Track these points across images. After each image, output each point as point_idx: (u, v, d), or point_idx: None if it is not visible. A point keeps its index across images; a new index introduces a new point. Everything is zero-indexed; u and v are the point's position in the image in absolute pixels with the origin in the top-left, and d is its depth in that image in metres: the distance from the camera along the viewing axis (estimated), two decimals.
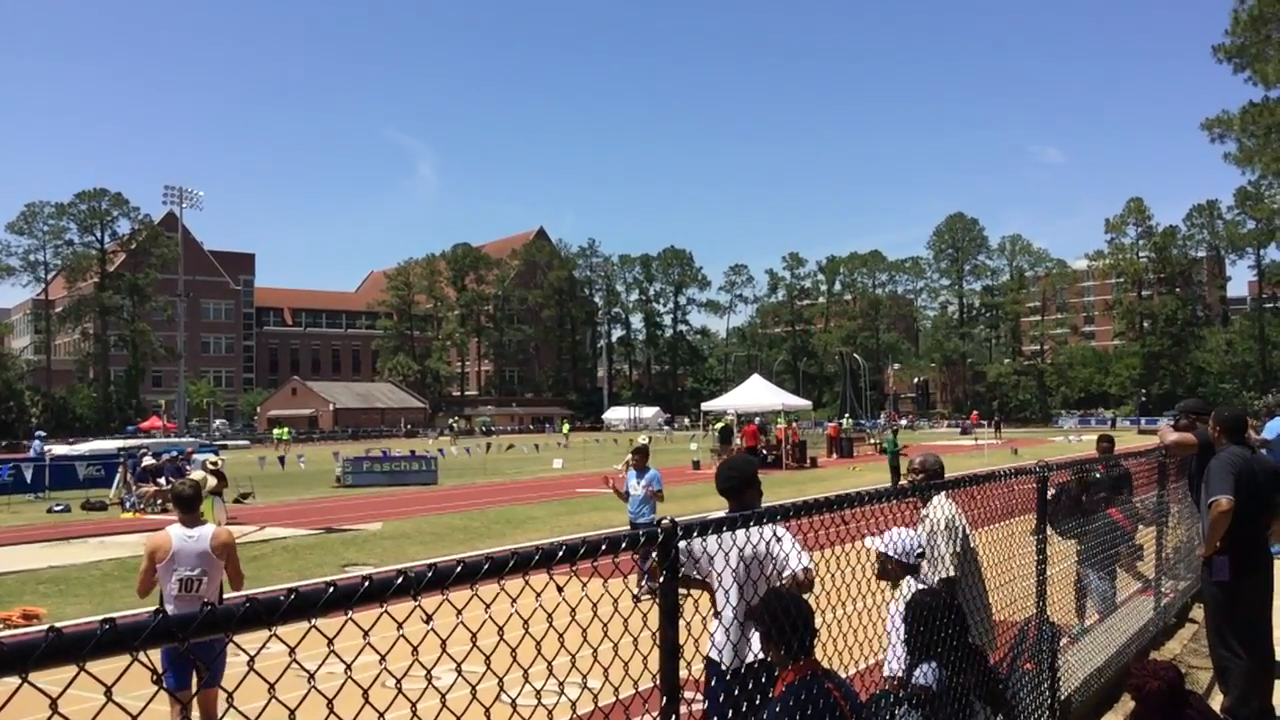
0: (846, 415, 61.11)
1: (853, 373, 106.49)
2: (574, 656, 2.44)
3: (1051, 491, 6.83)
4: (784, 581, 4.49)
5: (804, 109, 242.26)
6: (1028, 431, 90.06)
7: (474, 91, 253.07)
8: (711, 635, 4.42)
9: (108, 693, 1.47)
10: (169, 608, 6.75)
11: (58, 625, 1.43)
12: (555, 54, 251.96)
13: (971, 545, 5.76)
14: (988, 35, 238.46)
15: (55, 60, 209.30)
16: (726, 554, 4.09)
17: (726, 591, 4.32)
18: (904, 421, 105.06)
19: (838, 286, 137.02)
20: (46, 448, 38.62)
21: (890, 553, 5.07)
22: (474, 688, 2.20)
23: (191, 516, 7.27)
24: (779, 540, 4.63)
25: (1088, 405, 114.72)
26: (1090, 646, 7.60)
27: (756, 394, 46.37)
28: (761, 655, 4.24)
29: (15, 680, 1.35)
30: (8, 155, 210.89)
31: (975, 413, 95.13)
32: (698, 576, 4.70)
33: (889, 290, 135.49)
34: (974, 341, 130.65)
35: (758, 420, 48.58)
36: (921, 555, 5.12)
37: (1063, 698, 6.44)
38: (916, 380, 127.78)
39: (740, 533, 3.60)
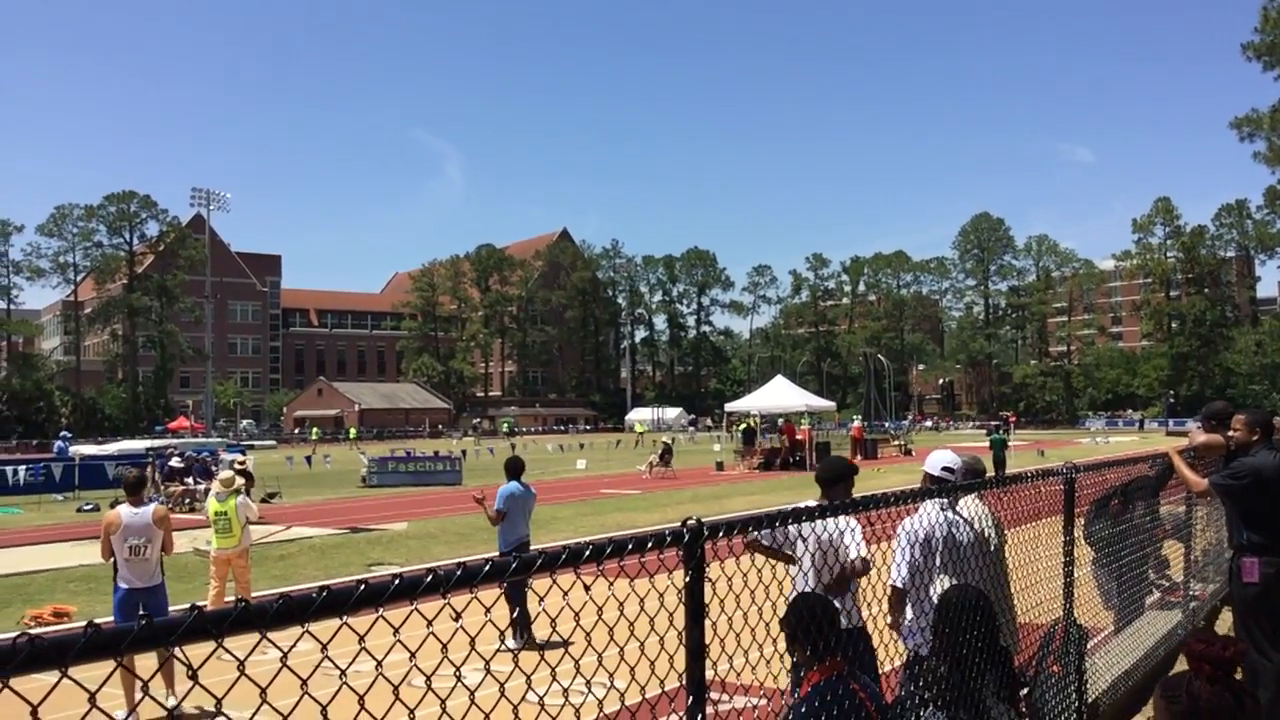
0: (858, 417, 60.67)
1: (877, 374, 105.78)
2: (600, 655, 2.45)
3: (1090, 502, 6.81)
4: (846, 566, 5.31)
5: (829, 109, 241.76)
6: (1054, 433, 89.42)
7: (500, 92, 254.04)
8: None
9: (145, 687, 1.49)
10: (121, 569, 8.83)
11: (96, 621, 1.45)
12: (581, 55, 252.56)
13: (997, 546, 5.73)
14: (1016, 33, 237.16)
15: (84, 63, 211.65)
16: (805, 538, 5.32)
17: (804, 571, 5.26)
18: (929, 423, 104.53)
19: (862, 287, 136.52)
20: (73, 448, 39.02)
21: (926, 469, 5.66)
22: (502, 685, 2.21)
23: (136, 498, 9.06)
24: (851, 531, 5.41)
25: (1115, 406, 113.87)
26: (1118, 649, 7.55)
27: (780, 395, 46.19)
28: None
29: (49, 679, 1.37)
30: (37, 158, 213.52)
31: (1012, 414, 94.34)
32: (777, 549, 5.69)
33: (914, 291, 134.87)
34: (1000, 342, 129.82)
35: (781, 421, 48.52)
36: (950, 470, 5.59)
37: (1090, 700, 6.40)
38: (941, 381, 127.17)
39: (820, 522, 4.31)
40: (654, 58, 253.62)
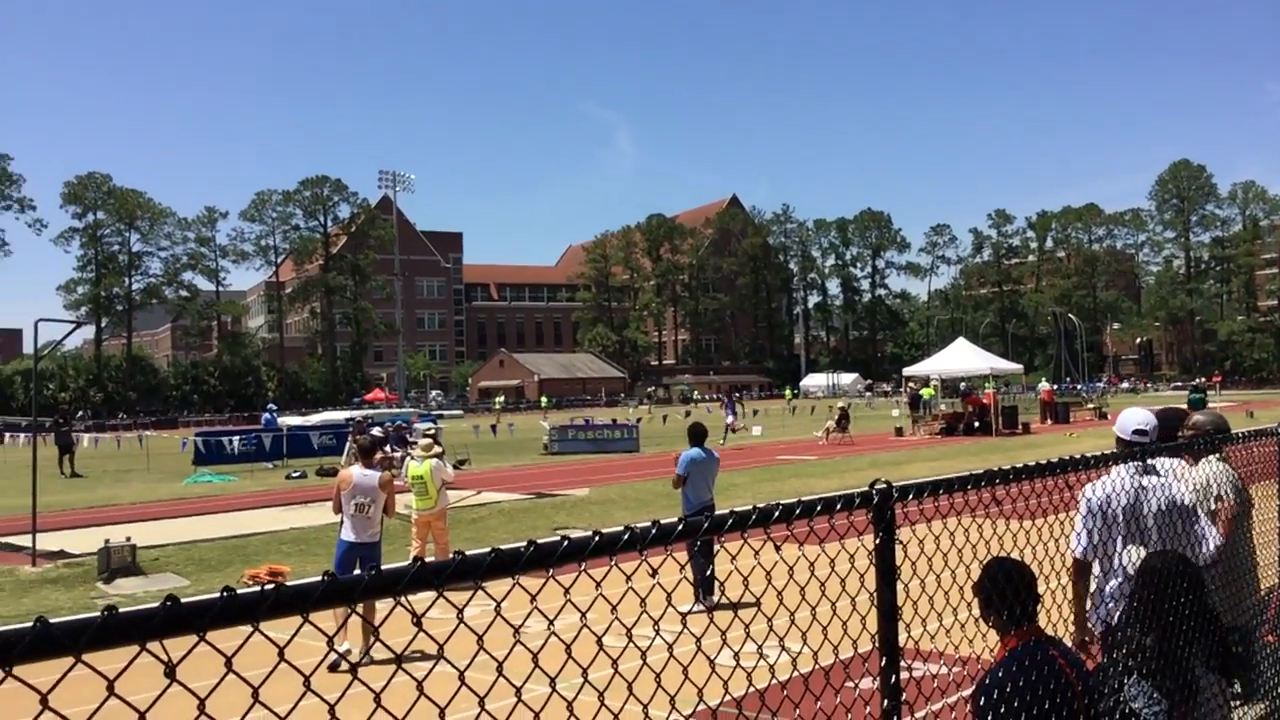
0: (1046, 380, 58.04)
1: (1067, 334, 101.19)
2: (793, 615, 2.48)
3: None
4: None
5: (1008, 57, 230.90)
6: (1265, 393, 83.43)
7: (669, 60, 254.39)
8: None
9: (375, 632, 1.61)
10: (346, 524, 9.81)
11: (331, 572, 1.58)
12: (747, 19, 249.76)
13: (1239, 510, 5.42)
14: None
15: (278, 55, 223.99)
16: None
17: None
18: (1125, 384, 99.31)
19: (1049, 243, 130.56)
20: (280, 420, 41.63)
21: (1116, 431, 5.29)
22: (699, 640, 2.28)
23: (369, 461, 10.11)
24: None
25: None
26: None
27: (961, 358, 44.73)
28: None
29: (281, 634, 1.51)
30: (239, 148, 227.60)
31: (1217, 374, 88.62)
32: None
33: (1106, 245, 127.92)
34: (1203, 298, 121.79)
35: (963, 386, 47.11)
36: (1142, 432, 5.19)
37: None
38: (1139, 341, 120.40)
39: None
40: (821, 18, 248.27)
